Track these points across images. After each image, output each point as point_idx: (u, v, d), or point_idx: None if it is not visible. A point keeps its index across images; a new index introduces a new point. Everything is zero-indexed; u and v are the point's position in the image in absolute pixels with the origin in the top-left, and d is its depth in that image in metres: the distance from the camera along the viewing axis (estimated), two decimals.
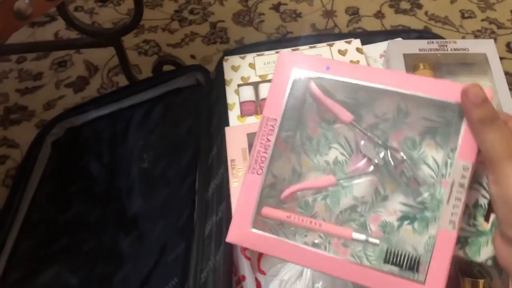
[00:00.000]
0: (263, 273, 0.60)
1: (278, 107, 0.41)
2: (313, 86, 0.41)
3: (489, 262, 0.40)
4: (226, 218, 0.56)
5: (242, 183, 0.41)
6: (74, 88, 1.09)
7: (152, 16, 1.28)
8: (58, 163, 0.86)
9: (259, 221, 0.40)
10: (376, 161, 0.40)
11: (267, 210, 0.40)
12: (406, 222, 0.40)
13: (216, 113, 0.70)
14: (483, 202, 0.39)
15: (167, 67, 0.97)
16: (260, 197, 0.40)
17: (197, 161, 0.70)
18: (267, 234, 0.39)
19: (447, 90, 0.38)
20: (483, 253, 0.39)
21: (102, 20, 1.28)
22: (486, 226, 0.39)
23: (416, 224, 0.40)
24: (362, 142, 0.41)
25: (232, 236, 0.40)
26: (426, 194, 0.40)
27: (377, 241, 0.39)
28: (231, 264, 0.60)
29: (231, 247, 0.60)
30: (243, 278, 0.59)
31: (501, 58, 1.14)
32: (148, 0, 1.32)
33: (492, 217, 0.39)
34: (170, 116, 0.83)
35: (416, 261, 0.38)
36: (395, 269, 0.38)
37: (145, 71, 1.13)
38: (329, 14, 1.25)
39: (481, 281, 0.54)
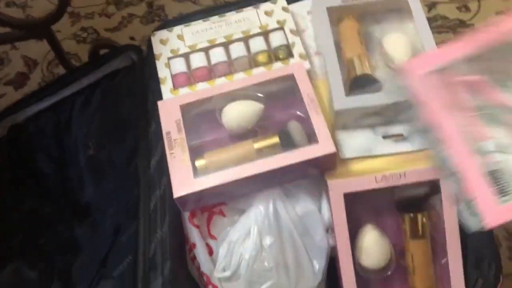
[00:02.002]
0: (214, 238, 0.61)
1: None
2: None
3: None
4: (169, 191, 0.57)
5: None
6: (15, 85, 1.06)
7: (87, 2, 1.25)
8: (5, 163, 0.85)
9: None
10: None
11: None
12: None
13: (151, 89, 0.70)
14: None
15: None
16: None
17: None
18: None
19: None
20: None
21: (36, 13, 1.25)
22: None
23: None
24: None
25: None
26: None
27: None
28: (182, 233, 0.61)
29: (178, 217, 0.60)
30: (194, 245, 0.60)
31: (436, 3, 1.17)
32: None
33: None
34: (109, 100, 0.82)
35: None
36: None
37: (85, 59, 1.11)
38: None
39: (419, 215, 0.57)
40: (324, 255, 0.58)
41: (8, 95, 1.04)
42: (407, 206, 0.56)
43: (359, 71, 0.60)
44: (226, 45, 0.68)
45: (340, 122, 0.59)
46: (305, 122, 0.58)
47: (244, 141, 0.58)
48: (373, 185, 0.55)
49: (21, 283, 0.71)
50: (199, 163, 0.57)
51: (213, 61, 0.66)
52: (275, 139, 0.57)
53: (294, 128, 0.57)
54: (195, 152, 0.59)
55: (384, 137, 0.59)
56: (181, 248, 0.61)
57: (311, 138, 0.57)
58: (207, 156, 0.58)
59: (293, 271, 0.57)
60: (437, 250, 0.57)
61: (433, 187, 0.56)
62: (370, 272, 0.57)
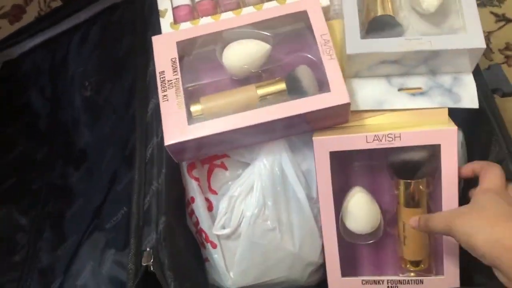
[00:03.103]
0: (215, 192, 0.56)
1: None
2: None
3: None
4: None
5: None
6: (10, 19, 0.99)
7: None
8: None
9: None
10: None
11: None
12: None
13: (151, 24, 0.62)
14: None
15: None
16: None
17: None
18: None
19: None
20: None
21: None
22: None
23: None
24: None
25: None
26: None
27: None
28: (181, 186, 0.56)
29: (175, 169, 0.55)
30: (192, 199, 0.55)
31: None
32: None
33: None
34: (108, 37, 0.75)
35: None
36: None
37: None
38: None
39: (415, 182, 0.51)
40: None
41: (3, 29, 0.97)
42: (402, 171, 0.50)
43: (379, 11, 0.52)
44: None
45: (352, 69, 0.52)
46: (317, 67, 0.51)
47: (246, 85, 0.52)
48: (362, 145, 0.48)
49: (12, 228, 0.67)
50: (194, 108, 0.51)
51: None
52: (282, 85, 0.50)
53: (304, 73, 0.50)
54: (191, 96, 0.52)
55: (400, 89, 0.52)
56: (179, 203, 0.56)
57: (322, 85, 0.50)
58: (203, 101, 0.51)
59: (297, 233, 0.52)
60: None
61: (432, 153, 0.49)
62: (355, 237, 0.52)
